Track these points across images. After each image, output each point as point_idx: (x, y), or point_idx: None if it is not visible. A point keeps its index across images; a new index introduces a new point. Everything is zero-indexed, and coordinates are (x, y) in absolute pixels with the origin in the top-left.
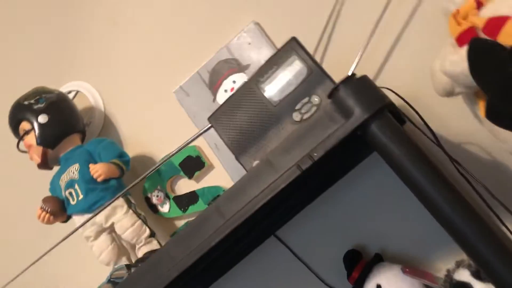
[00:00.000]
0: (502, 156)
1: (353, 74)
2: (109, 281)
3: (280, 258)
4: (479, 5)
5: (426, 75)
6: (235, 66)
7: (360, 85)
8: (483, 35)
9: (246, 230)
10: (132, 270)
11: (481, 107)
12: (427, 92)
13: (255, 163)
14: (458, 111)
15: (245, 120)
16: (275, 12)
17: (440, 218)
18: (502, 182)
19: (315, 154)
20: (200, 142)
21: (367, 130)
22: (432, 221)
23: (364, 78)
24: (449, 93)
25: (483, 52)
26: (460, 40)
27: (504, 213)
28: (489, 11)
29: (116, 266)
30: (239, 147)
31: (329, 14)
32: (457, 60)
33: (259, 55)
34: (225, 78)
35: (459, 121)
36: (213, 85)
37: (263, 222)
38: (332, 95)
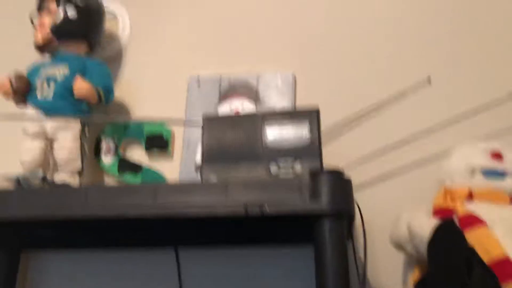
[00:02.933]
0: None
1: (342, 173)
2: (17, 179)
3: (163, 271)
4: (470, 197)
5: (391, 219)
6: (252, 95)
7: (342, 185)
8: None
9: (161, 223)
10: (45, 185)
11: (414, 275)
12: (382, 234)
13: (213, 178)
14: (396, 265)
15: (231, 140)
16: (317, 79)
17: None
18: None
19: (266, 209)
20: (177, 131)
21: (320, 222)
22: None
23: (349, 182)
24: (399, 247)
25: (449, 235)
26: (436, 213)
27: None
28: (473, 208)
29: (33, 172)
30: (210, 157)
31: (358, 116)
32: (425, 225)
33: (277, 100)
34: (238, 99)
35: (391, 274)
36: (224, 96)
37: (180, 229)
38: (314, 174)
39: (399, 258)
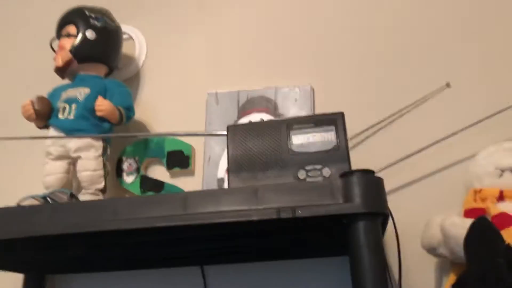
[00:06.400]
0: None
1: (373, 172)
2: (44, 197)
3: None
4: (501, 198)
5: (420, 225)
6: (271, 108)
7: (373, 183)
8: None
9: (190, 237)
10: (73, 200)
11: (450, 280)
12: (413, 238)
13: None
14: (428, 270)
15: (257, 148)
16: (335, 91)
17: None
18: None
19: (299, 212)
20: (197, 146)
21: (354, 223)
22: None
23: (380, 180)
24: (432, 250)
25: (484, 232)
26: (468, 214)
27: None
28: (506, 208)
29: (60, 189)
30: (237, 166)
31: (379, 120)
32: (459, 224)
33: (296, 113)
34: (257, 112)
35: (425, 279)
36: (243, 111)
37: (206, 243)
38: (345, 175)
39: (431, 263)
